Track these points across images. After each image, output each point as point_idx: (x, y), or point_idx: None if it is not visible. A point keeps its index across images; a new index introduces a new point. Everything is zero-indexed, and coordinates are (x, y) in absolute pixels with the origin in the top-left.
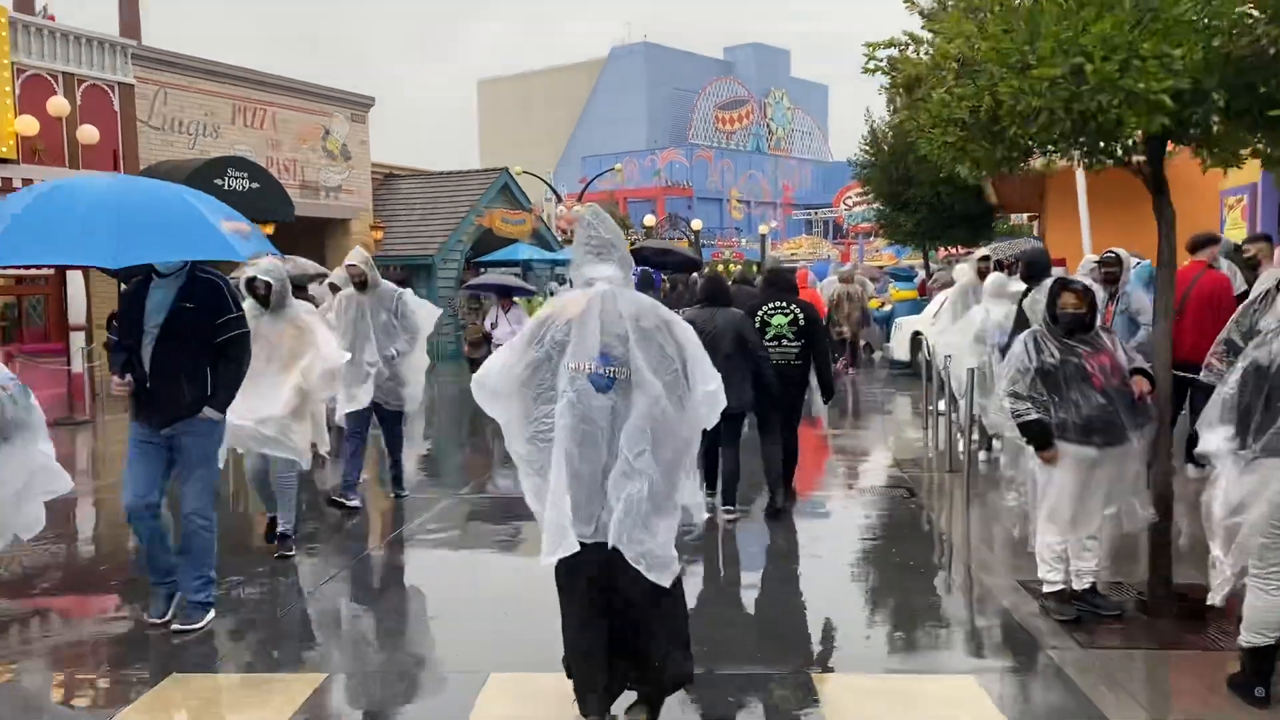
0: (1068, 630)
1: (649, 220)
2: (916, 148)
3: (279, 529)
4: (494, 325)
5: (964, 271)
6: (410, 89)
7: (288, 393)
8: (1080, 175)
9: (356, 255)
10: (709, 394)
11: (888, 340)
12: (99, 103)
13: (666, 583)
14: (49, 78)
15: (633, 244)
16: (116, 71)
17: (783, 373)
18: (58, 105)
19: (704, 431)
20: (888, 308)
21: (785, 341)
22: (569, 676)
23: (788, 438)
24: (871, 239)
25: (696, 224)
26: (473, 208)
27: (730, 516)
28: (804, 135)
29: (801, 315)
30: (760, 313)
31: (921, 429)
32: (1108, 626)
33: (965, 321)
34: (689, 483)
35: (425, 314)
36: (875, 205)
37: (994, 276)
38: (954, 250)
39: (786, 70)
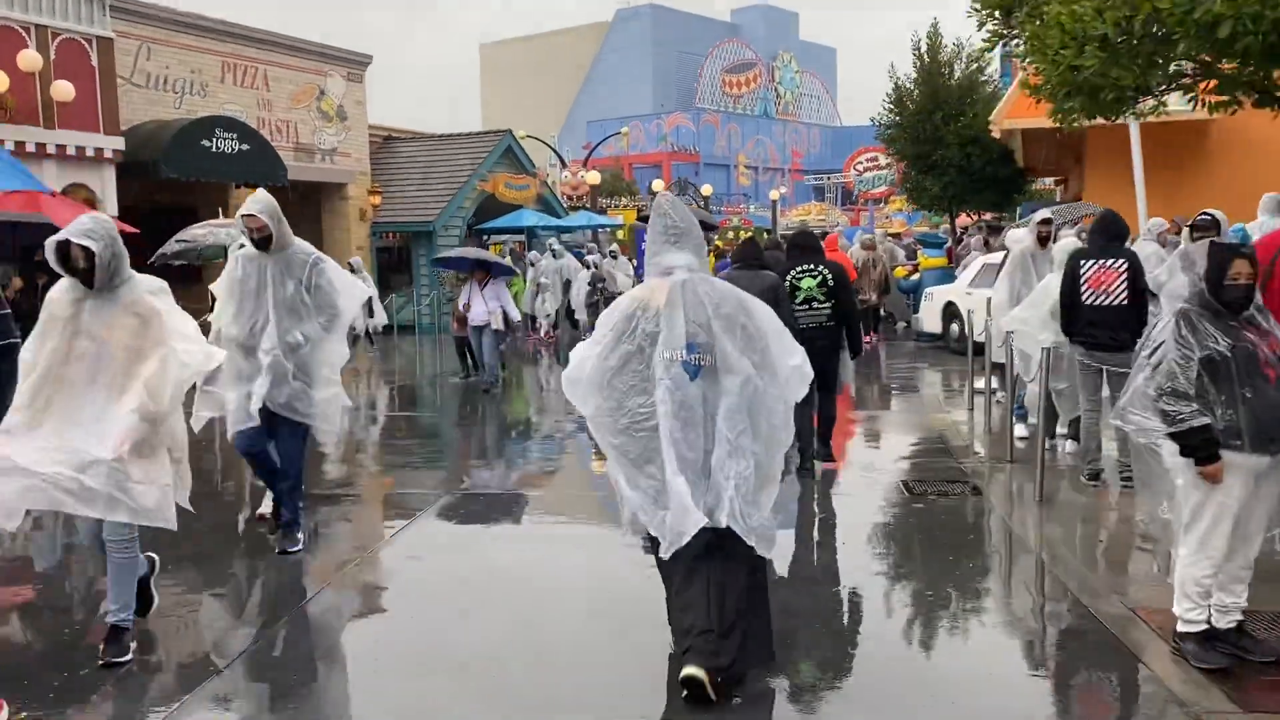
0: (1214, 682)
1: (657, 185)
2: (945, 105)
3: (108, 657)
4: (467, 305)
5: (1018, 238)
6: (410, 54)
7: (125, 421)
8: (1135, 131)
9: (257, 202)
10: (795, 368)
11: (915, 311)
12: (75, 58)
13: (769, 554)
14: (20, 30)
15: (640, 210)
16: (94, 24)
17: (815, 335)
18: (29, 60)
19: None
20: (916, 276)
21: (815, 304)
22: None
23: (824, 399)
24: (882, 205)
25: (707, 189)
26: (475, 172)
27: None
28: (812, 99)
29: (830, 276)
30: (789, 276)
31: (966, 410)
32: (1265, 679)
33: (1039, 293)
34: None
35: (348, 290)
36: (889, 168)
37: (1065, 243)
38: (972, 217)
39: (795, 32)
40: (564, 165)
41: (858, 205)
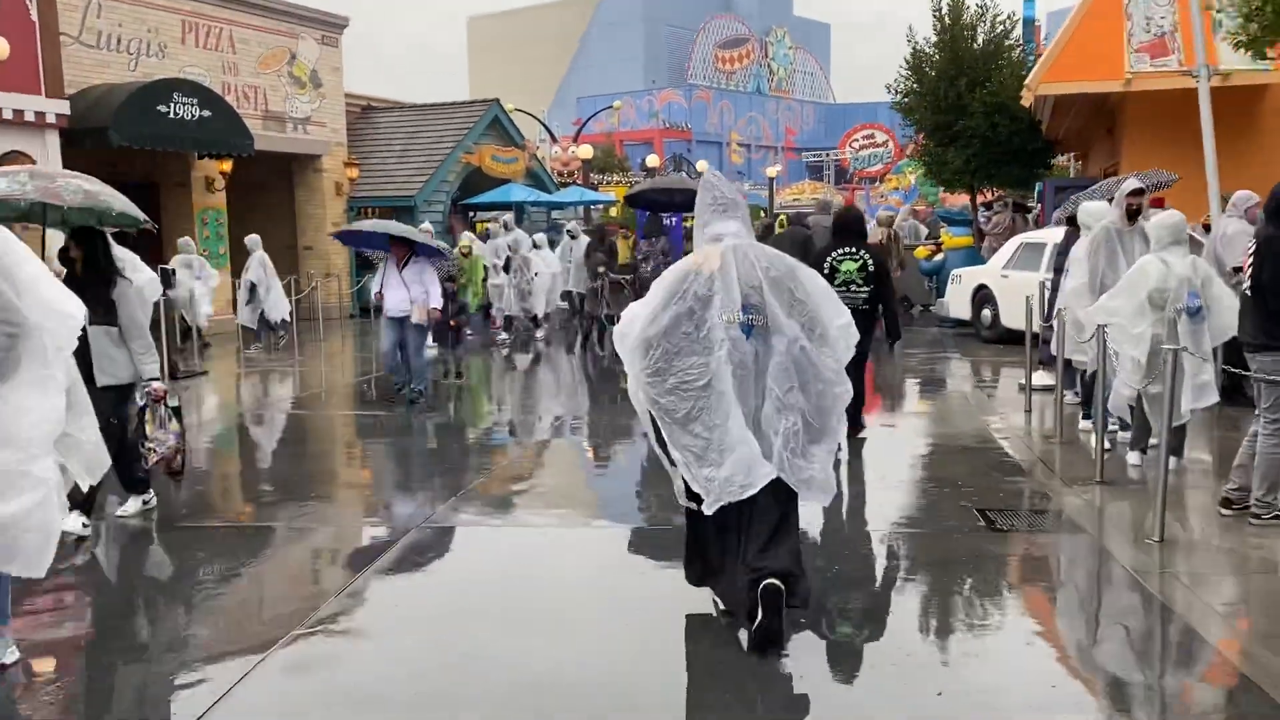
0: None
1: (651, 160)
2: (970, 70)
3: None
4: (380, 292)
5: (1096, 211)
6: (394, 29)
7: None
8: (1204, 91)
9: None
10: (842, 327)
11: (939, 294)
12: (10, 10)
13: (826, 503)
14: None
15: (631, 186)
16: None
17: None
18: None
19: None
20: (939, 257)
21: (854, 287)
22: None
23: (855, 377)
24: (878, 184)
25: (702, 165)
26: (459, 143)
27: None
28: (806, 76)
29: (871, 261)
30: (829, 258)
31: (1023, 411)
32: None
33: (1133, 278)
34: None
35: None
36: (885, 146)
37: (1165, 216)
38: (984, 195)
39: (788, 7)
40: (554, 140)
41: (853, 184)
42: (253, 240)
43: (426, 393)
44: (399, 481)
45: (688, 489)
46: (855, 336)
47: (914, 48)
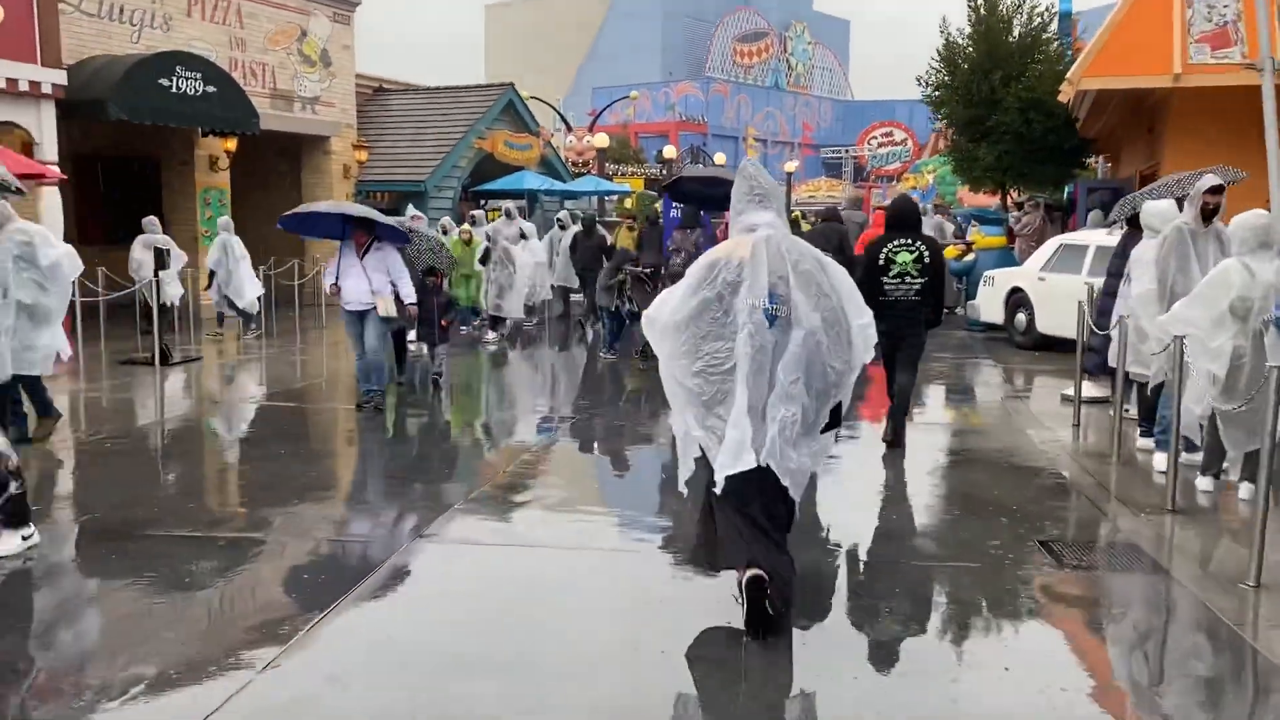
0: None
1: (669, 151)
2: (1005, 64)
3: None
4: (336, 286)
5: (1164, 212)
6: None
7: None
8: (1269, 86)
9: None
10: (861, 327)
11: (969, 296)
12: None
13: (797, 497)
14: None
15: (657, 176)
16: None
17: (905, 309)
18: None
19: None
20: (970, 257)
21: (909, 278)
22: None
23: (903, 375)
24: (895, 183)
25: (720, 158)
26: (472, 128)
27: None
28: (824, 72)
29: (928, 253)
30: (885, 249)
31: (1070, 425)
32: None
33: (1212, 285)
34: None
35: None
36: (904, 144)
37: (1250, 217)
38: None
39: (808, 2)
40: (569, 129)
41: (870, 182)
42: (222, 221)
43: (382, 397)
44: (371, 495)
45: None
46: (874, 338)
47: (947, 39)
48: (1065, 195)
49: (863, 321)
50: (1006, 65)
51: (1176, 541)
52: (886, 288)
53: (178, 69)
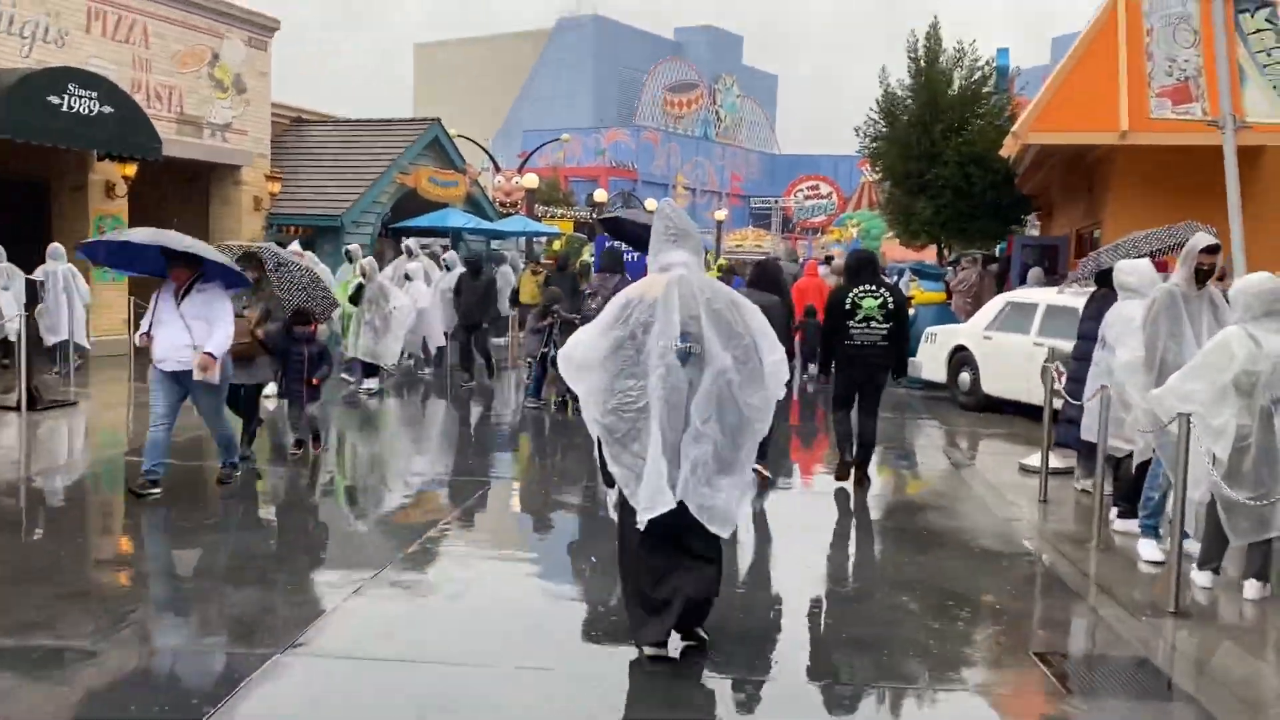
0: None
1: (599, 195)
2: (945, 116)
3: None
4: (147, 334)
5: (1142, 272)
6: (337, 56)
7: None
8: (1230, 147)
9: None
10: (774, 364)
11: (910, 353)
12: None
13: (726, 534)
14: None
15: (586, 219)
16: None
17: (868, 352)
18: None
19: None
20: (909, 312)
21: (874, 323)
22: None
23: (865, 422)
24: (819, 235)
25: (651, 204)
26: (394, 162)
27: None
28: (752, 125)
29: (890, 299)
30: (850, 295)
31: (1038, 501)
32: None
33: (1217, 354)
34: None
35: None
36: (829, 198)
37: (1255, 281)
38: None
39: (738, 56)
40: (497, 169)
41: (795, 233)
42: (51, 249)
43: (240, 467)
44: (224, 595)
45: (622, 504)
46: (785, 375)
47: (886, 90)
48: (998, 251)
49: (775, 358)
50: (947, 118)
51: (1192, 654)
52: (853, 332)
53: (70, 86)
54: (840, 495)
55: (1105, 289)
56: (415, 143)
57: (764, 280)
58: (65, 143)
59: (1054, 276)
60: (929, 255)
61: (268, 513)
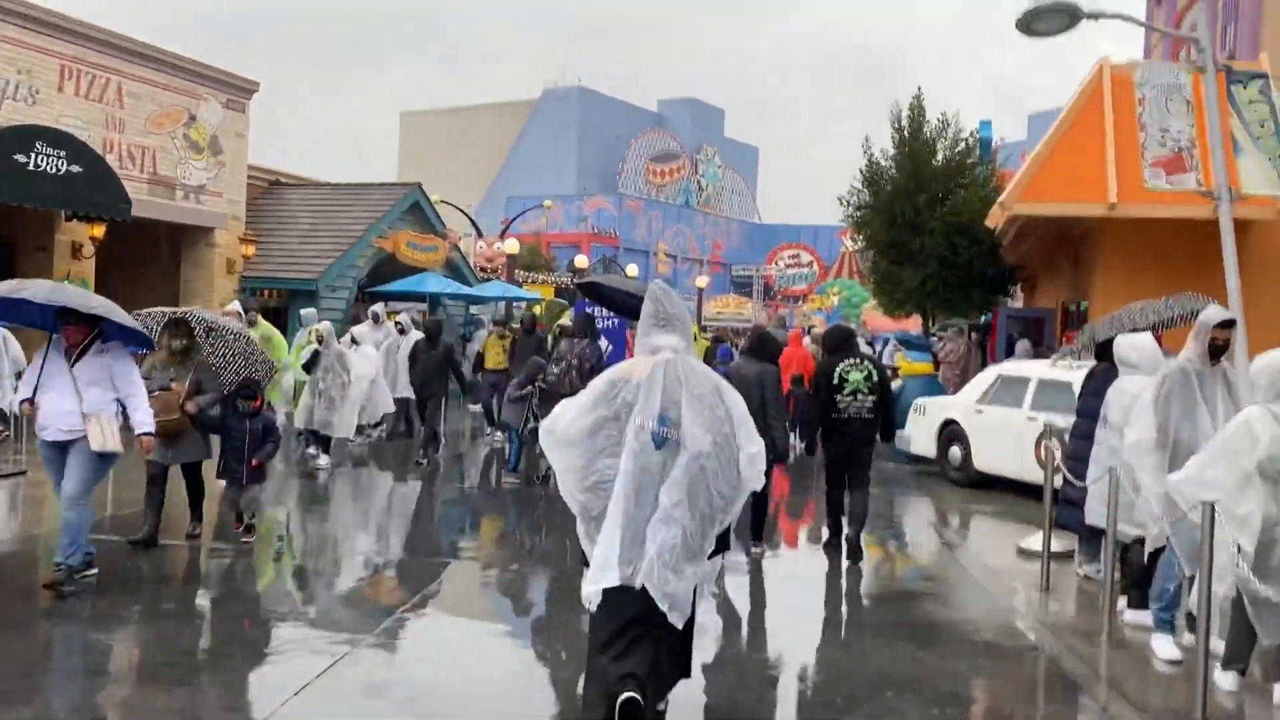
0: None
1: (580, 260)
2: (931, 186)
3: None
4: (30, 400)
5: (1145, 347)
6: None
7: None
8: (1225, 219)
9: None
10: (751, 456)
11: (899, 425)
12: None
13: (680, 625)
14: None
15: (567, 285)
16: None
17: (856, 424)
18: None
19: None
20: (895, 384)
21: (861, 395)
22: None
23: (857, 495)
24: (800, 303)
25: (632, 270)
26: (372, 226)
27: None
28: (734, 195)
29: (875, 372)
30: (839, 369)
31: (1039, 589)
32: None
33: (1238, 438)
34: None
35: None
36: (810, 266)
37: (1274, 359)
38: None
39: (720, 128)
40: (480, 235)
41: (776, 301)
42: None
43: (83, 567)
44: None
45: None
46: (762, 465)
47: (869, 159)
48: (983, 321)
49: (753, 450)
50: (931, 188)
51: None
52: (840, 404)
53: (38, 145)
54: (832, 578)
55: (1105, 364)
56: (394, 207)
57: (763, 349)
58: (31, 202)
59: (1039, 349)
60: (912, 325)
61: (204, 599)
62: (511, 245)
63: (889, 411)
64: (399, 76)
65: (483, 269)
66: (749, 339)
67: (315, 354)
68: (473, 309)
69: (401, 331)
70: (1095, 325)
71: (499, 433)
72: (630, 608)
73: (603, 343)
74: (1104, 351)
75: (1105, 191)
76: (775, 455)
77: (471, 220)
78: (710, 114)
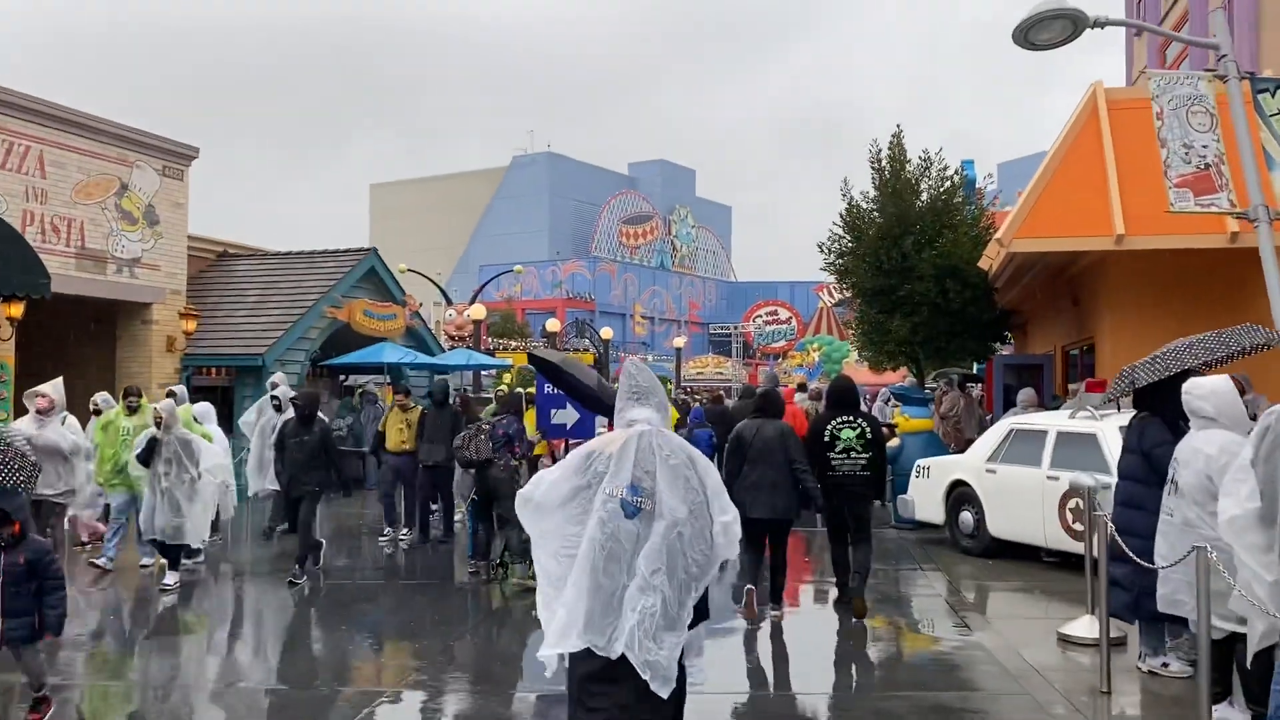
0: None
1: (551, 324)
2: (917, 228)
3: None
4: None
5: (1223, 393)
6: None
7: None
8: (1266, 238)
9: None
10: (725, 525)
11: (899, 489)
12: None
13: (665, 694)
14: None
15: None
16: None
17: (851, 482)
18: None
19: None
20: (894, 442)
21: (854, 453)
22: None
23: (860, 549)
24: (780, 360)
25: (606, 333)
26: (325, 295)
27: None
28: (708, 254)
29: (868, 429)
30: (829, 427)
31: (1101, 693)
32: None
33: None
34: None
35: None
36: (789, 323)
37: None
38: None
39: (691, 188)
40: (449, 304)
41: (756, 359)
42: None
43: None
44: None
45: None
46: (737, 534)
47: (849, 203)
48: (976, 370)
49: (726, 519)
50: (918, 230)
51: None
52: (834, 463)
53: None
54: (842, 682)
55: (1145, 413)
56: (349, 274)
57: (772, 408)
58: None
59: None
60: (895, 378)
61: None
62: (478, 310)
63: (881, 470)
64: (368, 152)
65: (451, 337)
66: (757, 400)
67: (153, 442)
68: (436, 378)
69: (278, 408)
70: (1136, 368)
71: (404, 531)
72: (606, 678)
73: (568, 410)
74: (1143, 399)
75: (1110, 223)
76: (813, 506)
77: (440, 288)
78: (681, 174)
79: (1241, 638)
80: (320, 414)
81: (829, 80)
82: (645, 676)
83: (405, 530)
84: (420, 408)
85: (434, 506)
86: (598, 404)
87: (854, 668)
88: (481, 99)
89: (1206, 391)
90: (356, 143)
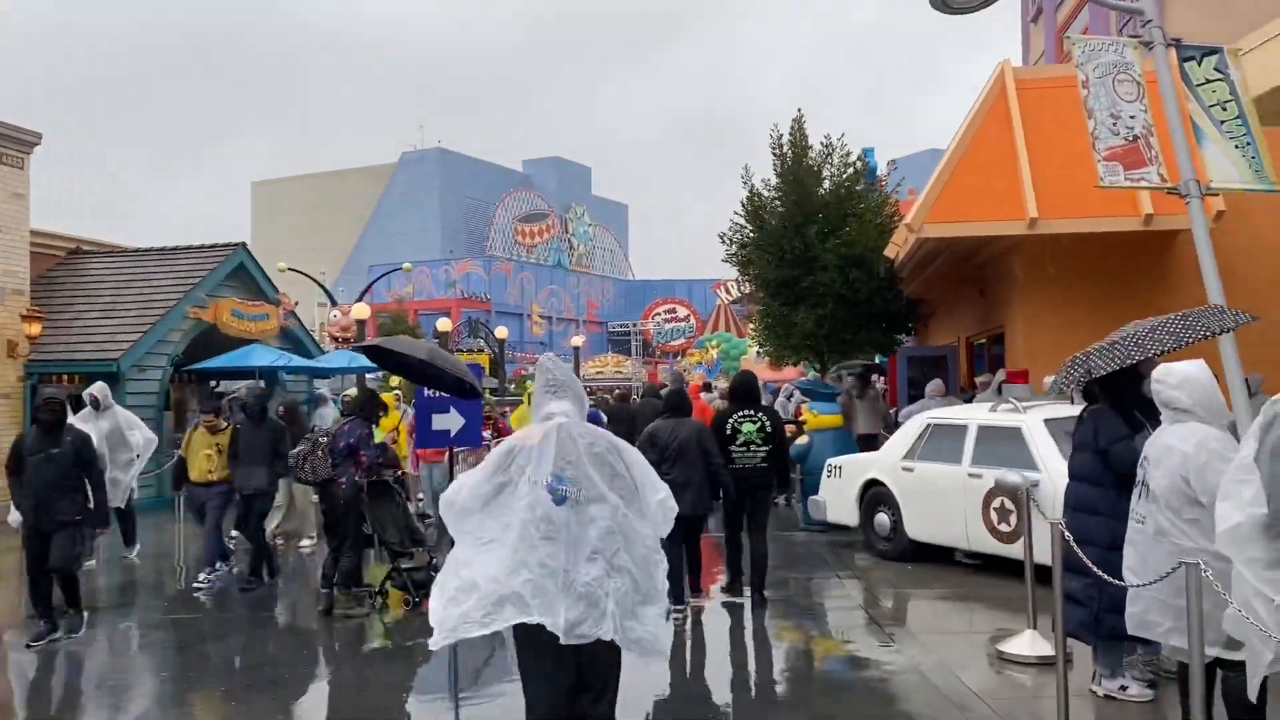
0: None
1: (442, 324)
2: (821, 216)
3: None
4: None
5: (1199, 381)
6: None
7: None
8: (1198, 215)
9: None
10: (660, 502)
11: (812, 490)
12: None
13: (659, 665)
14: None
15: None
16: None
17: (751, 475)
18: None
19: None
20: (802, 439)
21: (754, 447)
22: None
23: (756, 539)
24: (679, 358)
25: (501, 332)
26: (187, 295)
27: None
28: (606, 252)
29: (768, 423)
30: (730, 420)
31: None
32: None
33: None
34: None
35: None
36: (687, 320)
37: None
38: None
39: (587, 186)
40: (333, 305)
41: (656, 357)
42: None
43: None
44: None
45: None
46: (673, 511)
47: (751, 190)
48: (878, 361)
49: (660, 497)
50: (821, 218)
51: None
52: (734, 455)
53: None
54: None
55: (1098, 405)
56: (214, 271)
57: (684, 406)
58: None
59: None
60: (793, 374)
61: None
62: (361, 310)
63: (783, 463)
64: (253, 150)
65: (335, 339)
66: (670, 399)
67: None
68: (316, 382)
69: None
70: (1090, 355)
71: (212, 568)
72: (566, 678)
73: (451, 414)
74: (1095, 390)
75: (1023, 207)
76: (726, 500)
77: (323, 287)
78: (577, 172)
79: (1222, 663)
80: (72, 421)
81: (719, 79)
82: (633, 652)
83: (211, 568)
84: (231, 425)
85: (233, 533)
86: (459, 386)
87: (776, 692)
88: (370, 97)
89: (1180, 379)
90: (241, 141)
